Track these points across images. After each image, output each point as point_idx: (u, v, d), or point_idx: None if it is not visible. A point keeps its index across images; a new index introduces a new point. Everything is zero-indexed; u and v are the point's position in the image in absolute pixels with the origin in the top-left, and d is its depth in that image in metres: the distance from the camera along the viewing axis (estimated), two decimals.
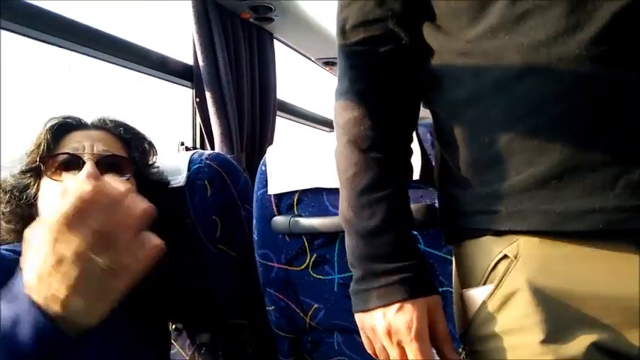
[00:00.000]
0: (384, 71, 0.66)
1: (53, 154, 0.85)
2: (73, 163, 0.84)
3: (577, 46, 0.52)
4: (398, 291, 0.61)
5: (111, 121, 0.94)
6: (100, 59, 1.40)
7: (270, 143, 1.97)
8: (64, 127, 0.88)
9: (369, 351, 0.66)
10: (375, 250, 0.62)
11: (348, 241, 0.66)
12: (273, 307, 1.03)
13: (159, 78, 1.64)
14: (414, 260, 0.63)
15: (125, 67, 1.49)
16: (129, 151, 0.92)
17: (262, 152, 1.86)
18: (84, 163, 0.83)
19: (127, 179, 0.87)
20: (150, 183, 0.94)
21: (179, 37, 1.77)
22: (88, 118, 0.93)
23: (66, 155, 0.84)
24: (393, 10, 0.64)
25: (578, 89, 0.53)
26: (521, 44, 0.55)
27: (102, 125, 0.92)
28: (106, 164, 0.85)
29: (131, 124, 0.96)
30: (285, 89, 2.24)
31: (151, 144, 0.97)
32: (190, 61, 1.71)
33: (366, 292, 0.62)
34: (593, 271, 0.55)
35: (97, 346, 0.80)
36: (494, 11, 0.57)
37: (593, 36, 0.52)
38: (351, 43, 0.66)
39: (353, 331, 0.74)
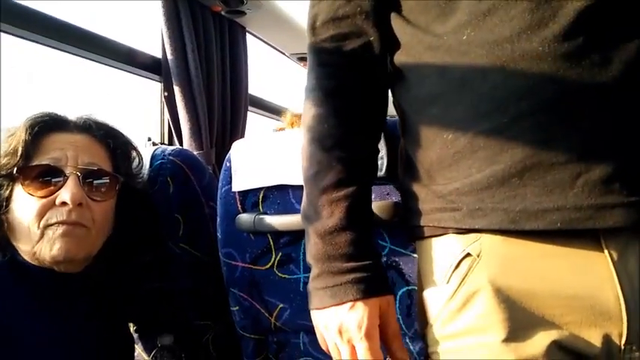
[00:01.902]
0: (351, 69, 0.66)
1: (32, 164, 0.76)
2: (54, 176, 0.76)
3: (540, 44, 0.52)
4: (351, 290, 0.61)
5: (97, 124, 0.85)
6: (64, 51, 1.36)
7: (242, 137, 1.94)
8: (43, 127, 0.79)
9: (323, 347, 0.67)
10: (331, 249, 0.62)
11: (307, 239, 0.65)
12: (237, 307, 1.01)
13: (126, 71, 1.60)
14: (370, 260, 0.63)
15: (91, 59, 1.45)
16: (115, 161, 0.85)
17: None
18: (66, 176, 0.76)
19: (112, 197, 0.83)
20: (132, 196, 0.88)
21: (147, 29, 1.72)
22: (71, 116, 0.85)
23: (46, 167, 0.77)
24: (362, 7, 0.64)
25: (541, 87, 0.52)
26: (486, 41, 0.55)
27: (86, 128, 0.84)
28: (90, 179, 0.79)
29: (117, 128, 0.89)
30: (259, 84, 2.21)
31: (137, 151, 0.91)
32: (159, 54, 1.67)
33: (321, 291, 0.62)
34: (553, 270, 0.55)
35: (60, 350, 0.79)
36: (462, 7, 0.57)
37: (557, 33, 0.51)
38: (321, 40, 0.66)
39: None
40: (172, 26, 1.61)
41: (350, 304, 0.60)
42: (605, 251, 0.53)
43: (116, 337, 0.93)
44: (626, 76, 0.51)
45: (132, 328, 1.05)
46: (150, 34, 1.70)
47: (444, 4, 0.58)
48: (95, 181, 0.80)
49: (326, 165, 0.63)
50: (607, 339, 0.54)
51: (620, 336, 0.53)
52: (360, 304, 0.60)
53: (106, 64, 1.51)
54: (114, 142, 0.86)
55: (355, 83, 0.66)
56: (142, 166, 0.94)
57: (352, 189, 0.63)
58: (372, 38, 0.65)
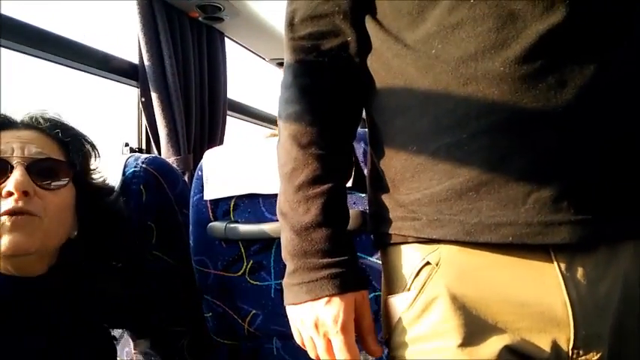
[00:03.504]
0: (327, 67, 0.66)
1: None
2: (0, 169, 0.73)
3: (502, 64, 0.53)
4: (327, 286, 0.61)
5: (45, 119, 0.82)
6: (40, 58, 1.34)
7: (221, 144, 1.94)
8: None
9: (298, 341, 0.67)
10: (307, 246, 0.62)
11: (283, 236, 0.66)
12: (210, 313, 1.02)
13: (102, 77, 1.59)
14: (346, 256, 0.63)
15: (66, 65, 1.44)
16: (67, 153, 0.82)
17: None
18: (12, 167, 0.73)
19: (65, 184, 0.79)
20: (91, 190, 0.86)
21: (124, 34, 1.72)
22: (18, 117, 0.83)
23: None
24: (340, 6, 0.64)
25: (499, 107, 0.54)
26: (452, 57, 0.56)
27: (34, 124, 0.81)
28: (39, 169, 0.76)
29: (69, 124, 0.86)
30: (239, 89, 2.22)
31: (92, 146, 0.88)
32: (136, 60, 1.66)
33: (296, 286, 0.63)
34: (506, 279, 0.57)
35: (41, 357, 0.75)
36: (432, 18, 0.57)
37: (518, 55, 0.53)
38: (298, 37, 0.66)
39: (291, 336, 0.73)
40: (149, 32, 1.61)
41: (326, 299, 0.61)
42: (555, 262, 0.55)
43: (95, 345, 0.90)
44: (579, 100, 0.53)
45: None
46: (126, 39, 1.70)
47: (416, 13, 0.59)
48: (45, 170, 0.77)
49: (302, 162, 0.64)
50: (555, 344, 0.56)
51: (568, 341, 0.56)
52: (336, 299, 0.61)
53: (81, 70, 1.50)
54: (63, 134, 0.83)
55: (332, 82, 0.66)
56: (99, 161, 0.91)
57: (328, 186, 0.63)
58: (349, 38, 0.65)
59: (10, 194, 0.72)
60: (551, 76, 0.53)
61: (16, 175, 0.72)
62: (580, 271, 0.55)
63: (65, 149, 0.82)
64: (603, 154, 0.55)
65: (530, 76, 0.53)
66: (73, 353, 0.82)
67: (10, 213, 0.71)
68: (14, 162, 0.74)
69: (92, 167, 0.88)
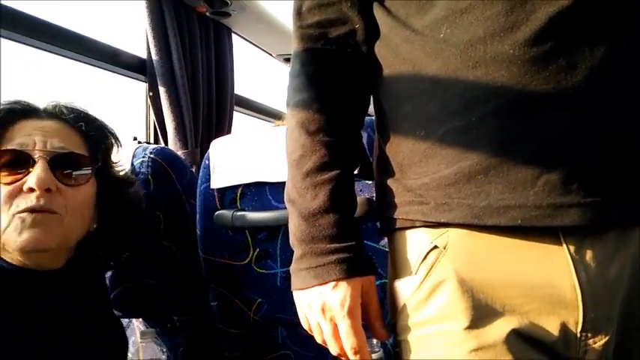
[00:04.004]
0: (335, 55, 0.66)
1: None
2: (22, 162, 0.72)
3: (511, 47, 0.53)
4: (334, 270, 0.62)
5: (69, 109, 0.80)
6: (50, 52, 1.36)
7: None
8: (11, 115, 0.75)
9: (305, 327, 0.67)
10: (315, 231, 0.63)
11: (290, 222, 0.66)
12: (216, 302, 1.02)
13: (111, 71, 1.60)
14: (353, 241, 0.64)
15: (76, 60, 1.45)
16: (90, 146, 0.80)
17: None
18: (34, 161, 0.72)
19: (87, 181, 0.77)
20: (113, 183, 0.84)
21: (133, 29, 1.73)
22: (41, 104, 0.80)
23: (12, 152, 0.72)
24: None
25: (508, 89, 0.54)
26: (461, 40, 0.56)
27: (57, 114, 0.78)
28: (61, 164, 0.74)
29: (93, 115, 0.83)
30: (246, 84, 2.22)
31: (115, 137, 0.86)
32: (144, 55, 1.68)
33: (304, 271, 0.63)
34: (515, 262, 0.57)
35: (56, 344, 0.75)
36: (441, 3, 0.58)
37: (527, 37, 0.53)
38: (306, 25, 0.66)
39: (297, 324, 0.74)
40: (157, 27, 1.62)
41: (333, 283, 0.61)
42: (564, 244, 0.55)
43: (107, 336, 0.90)
44: (590, 82, 0.52)
45: None
46: (135, 34, 1.71)
47: None
48: (67, 166, 0.75)
49: (310, 149, 0.64)
50: (564, 327, 0.55)
51: (577, 324, 0.55)
52: (343, 284, 0.61)
53: (91, 65, 1.52)
54: (87, 127, 0.80)
55: (339, 69, 0.66)
56: (120, 153, 0.89)
57: (335, 172, 0.63)
58: (357, 26, 0.65)
59: (31, 190, 0.70)
60: (561, 59, 0.53)
61: (38, 171, 0.71)
62: (589, 254, 0.55)
63: (88, 142, 0.80)
64: (613, 137, 0.55)
65: (539, 58, 0.53)
66: (87, 345, 0.82)
67: (31, 210, 0.70)
68: (36, 156, 0.72)
69: (114, 160, 0.86)
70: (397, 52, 0.63)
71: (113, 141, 0.86)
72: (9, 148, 0.72)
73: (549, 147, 0.54)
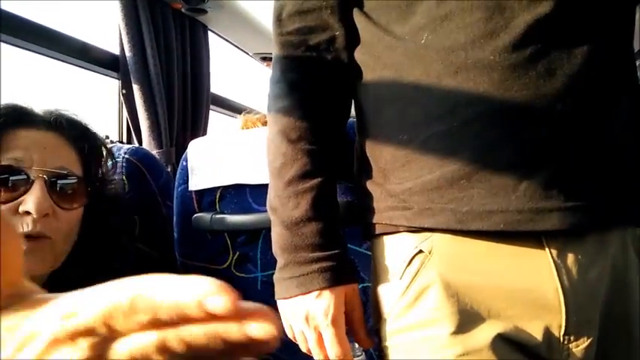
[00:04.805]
0: (316, 62, 0.66)
1: None
2: (18, 179, 0.68)
3: (492, 53, 0.54)
4: (317, 280, 0.62)
5: (69, 122, 0.76)
6: (18, 46, 1.31)
7: (203, 137, 1.92)
8: (8, 121, 0.71)
9: (289, 335, 0.67)
10: (298, 240, 0.63)
11: (273, 231, 0.66)
12: None
13: (82, 68, 1.55)
14: (336, 250, 0.64)
15: (45, 55, 1.40)
16: (86, 165, 0.76)
17: None
18: (32, 181, 0.68)
19: (82, 205, 0.74)
20: (103, 201, 0.80)
21: (105, 23, 1.68)
22: (39, 110, 0.76)
23: (8, 168, 0.67)
24: (328, 1, 0.65)
25: (489, 95, 0.55)
26: (442, 46, 0.56)
27: (56, 126, 0.74)
28: (57, 184, 0.70)
29: (91, 127, 0.79)
30: (223, 83, 2.20)
31: (111, 153, 0.83)
32: (117, 51, 1.63)
33: (287, 280, 0.63)
34: (499, 266, 0.57)
35: None
36: (421, 10, 0.58)
37: (507, 44, 0.54)
38: (286, 32, 0.66)
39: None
40: (130, 22, 1.58)
41: (316, 292, 0.62)
42: (546, 249, 0.56)
43: None
44: (568, 88, 0.54)
45: None
46: (108, 29, 1.66)
47: (405, 6, 0.59)
48: (63, 188, 0.72)
49: (291, 157, 0.64)
50: (547, 331, 0.56)
51: (560, 328, 0.56)
52: (326, 293, 0.62)
53: (61, 60, 1.47)
54: (87, 145, 0.77)
55: (320, 76, 0.67)
56: (114, 170, 0.86)
57: (317, 180, 0.63)
58: (337, 33, 0.66)
59: (27, 213, 0.67)
60: (540, 65, 0.54)
61: (37, 194, 0.67)
62: (571, 258, 0.56)
63: (84, 160, 0.76)
64: (591, 142, 0.56)
65: (519, 64, 0.54)
66: None
67: (26, 236, 0.67)
68: (33, 175, 0.68)
69: (108, 178, 0.82)
70: (379, 58, 0.63)
71: (108, 157, 0.82)
72: (5, 163, 0.68)
73: (529, 152, 0.55)
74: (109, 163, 0.83)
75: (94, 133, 0.80)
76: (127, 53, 1.59)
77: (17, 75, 1.48)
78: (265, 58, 2.31)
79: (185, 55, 1.82)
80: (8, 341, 0.24)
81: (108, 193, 0.82)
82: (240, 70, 2.56)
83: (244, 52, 2.28)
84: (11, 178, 0.68)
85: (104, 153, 0.82)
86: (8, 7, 1.25)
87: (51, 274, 0.74)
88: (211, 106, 2.01)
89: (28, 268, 0.64)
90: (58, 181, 0.71)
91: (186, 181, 0.95)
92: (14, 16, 1.28)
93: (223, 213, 0.92)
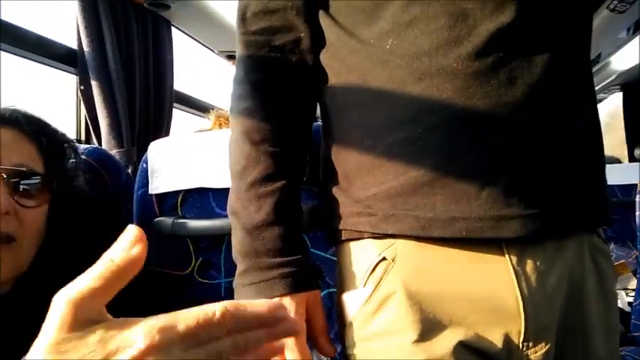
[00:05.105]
0: (280, 63, 0.65)
1: None
2: None
3: (455, 60, 0.54)
4: (278, 285, 0.61)
5: (26, 117, 0.73)
6: None
7: (166, 136, 1.87)
8: None
9: None
10: (259, 245, 0.61)
11: (233, 235, 0.64)
12: (158, 314, 0.97)
13: (38, 62, 1.48)
14: (298, 255, 0.62)
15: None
16: (46, 161, 0.73)
17: None
18: None
19: (45, 202, 0.71)
20: (68, 200, 0.76)
21: (62, 16, 1.61)
22: None
23: None
24: (293, 1, 0.64)
25: (452, 102, 0.55)
26: (407, 52, 0.56)
27: (13, 121, 0.71)
28: (19, 182, 0.68)
29: (49, 122, 0.76)
30: (187, 81, 2.15)
31: (72, 146, 0.79)
32: (74, 45, 1.56)
33: (247, 287, 0.62)
34: (461, 273, 0.57)
35: None
36: (387, 15, 0.58)
37: (470, 52, 0.54)
38: (250, 32, 0.65)
39: None
40: (89, 15, 1.52)
41: (277, 299, 0.60)
42: (506, 255, 0.56)
43: None
44: (529, 96, 0.54)
45: None
46: (65, 22, 1.60)
47: (370, 10, 0.59)
48: (24, 185, 0.69)
49: (254, 159, 0.62)
50: (507, 337, 0.57)
51: (519, 334, 0.57)
52: (286, 299, 0.61)
53: (15, 54, 1.40)
54: (45, 138, 0.74)
55: (284, 78, 0.66)
56: (78, 165, 0.82)
57: (280, 184, 0.62)
58: (302, 34, 0.65)
59: None
60: (502, 73, 0.54)
61: None
62: (530, 265, 0.57)
63: (44, 156, 0.73)
64: (551, 149, 0.56)
65: (482, 72, 0.54)
66: None
67: None
68: None
69: (71, 173, 0.79)
70: (344, 62, 0.62)
71: (69, 150, 0.79)
72: None
73: (490, 160, 0.55)
74: (72, 159, 0.80)
75: (54, 128, 0.77)
76: (85, 48, 1.53)
77: None
78: (231, 57, 2.28)
79: (147, 51, 1.77)
80: (98, 350, 0.29)
81: (73, 190, 0.79)
82: (206, 68, 2.52)
83: (210, 49, 2.24)
84: None
85: (66, 148, 0.78)
86: None
87: (17, 279, 0.71)
88: (176, 105, 1.96)
89: None
90: (18, 179, 0.68)
91: (146, 184, 0.92)
92: None
93: (185, 217, 0.90)
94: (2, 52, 1.35)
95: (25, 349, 0.78)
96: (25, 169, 0.69)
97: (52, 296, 0.84)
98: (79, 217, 0.80)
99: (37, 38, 1.45)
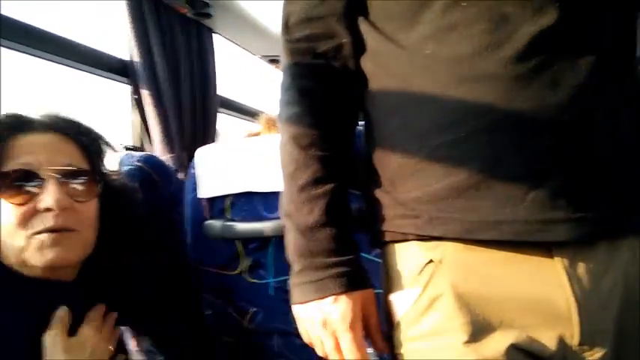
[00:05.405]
0: (324, 69, 0.66)
1: (4, 171, 0.71)
2: (31, 182, 0.72)
3: (496, 64, 0.54)
4: (334, 284, 0.62)
5: (65, 121, 0.80)
6: (31, 55, 1.32)
7: (213, 140, 1.93)
8: (9, 130, 0.75)
9: (306, 341, 0.67)
10: (313, 245, 0.63)
11: (287, 236, 0.66)
12: (210, 311, 1.02)
13: (94, 74, 1.57)
14: (351, 255, 0.64)
15: (57, 62, 1.42)
16: (89, 159, 0.80)
17: None
18: (44, 180, 0.72)
19: (95, 196, 0.78)
20: (114, 193, 0.84)
21: (114, 30, 1.70)
22: (34, 115, 0.79)
23: (20, 172, 0.72)
24: (335, 8, 0.65)
25: (495, 106, 0.55)
26: (447, 57, 0.56)
27: (54, 126, 0.78)
28: (70, 180, 0.75)
29: (85, 124, 0.83)
30: (231, 85, 2.21)
31: (109, 145, 0.86)
32: (126, 56, 1.64)
33: (303, 285, 0.63)
34: (509, 275, 0.57)
35: None
36: (426, 20, 0.58)
37: (512, 55, 0.54)
38: (294, 39, 0.67)
39: (291, 333, 0.73)
40: (138, 28, 1.59)
41: (333, 297, 0.62)
42: (557, 258, 0.55)
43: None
44: (574, 98, 0.53)
45: None
46: (117, 36, 1.68)
47: (409, 15, 0.59)
48: (75, 182, 0.76)
49: (303, 163, 0.64)
50: (561, 340, 0.56)
51: (574, 337, 0.56)
52: (343, 298, 0.62)
53: (73, 67, 1.48)
54: (84, 137, 0.80)
55: (329, 83, 0.67)
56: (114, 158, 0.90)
57: (330, 186, 0.64)
58: (344, 40, 0.66)
59: (48, 210, 0.71)
60: (545, 76, 0.53)
61: (52, 191, 0.71)
62: (582, 267, 0.55)
63: (87, 154, 0.80)
64: (598, 152, 0.55)
65: (524, 76, 0.54)
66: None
67: (51, 230, 0.71)
68: (44, 174, 0.72)
69: (110, 168, 0.86)
70: (385, 67, 0.63)
71: (106, 148, 0.85)
72: (15, 168, 0.72)
73: (535, 164, 0.54)
74: (108, 154, 0.86)
75: (90, 128, 0.83)
76: (136, 59, 1.60)
77: (31, 83, 1.51)
78: (273, 60, 2.31)
79: (192, 59, 1.82)
80: None
81: (116, 185, 0.86)
82: (249, 73, 2.57)
83: (252, 54, 2.29)
84: (25, 181, 0.72)
85: (104, 147, 0.85)
86: (22, 18, 1.28)
87: (84, 263, 0.79)
88: (222, 110, 2.01)
89: (60, 257, 0.73)
90: (69, 177, 0.75)
91: (195, 188, 0.96)
92: (30, 26, 1.30)
93: (234, 220, 0.93)
94: (66, 67, 1.45)
95: (80, 323, 0.84)
96: (74, 167, 0.76)
97: (111, 282, 0.91)
98: (126, 205, 0.87)
99: (93, 52, 1.53)
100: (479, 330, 0.57)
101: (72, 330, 0.77)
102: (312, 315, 0.63)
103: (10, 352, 0.70)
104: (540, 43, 0.54)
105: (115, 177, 0.88)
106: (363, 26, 0.65)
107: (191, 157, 1.72)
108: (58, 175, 0.73)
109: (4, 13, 1.22)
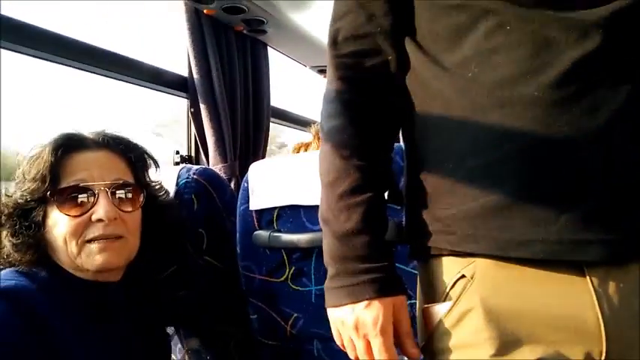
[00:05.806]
0: (369, 84, 0.70)
1: (62, 187, 0.81)
2: (85, 196, 0.82)
3: (536, 89, 0.56)
4: (367, 289, 0.64)
5: (114, 138, 0.90)
6: (97, 74, 1.45)
7: (264, 149, 2.01)
8: (66, 148, 0.84)
9: (338, 342, 0.71)
10: (348, 251, 0.66)
11: (325, 242, 0.69)
12: (256, 315, 1.08)
13: (155, 90, 1.69)
14: (385, 262, 0.66)
15: (122, 80, 1.54)
16: (135, 173, 0.91)
17: (256, 158, 1.90)
18: (96, 194, 0.82)
19: (140, 206, 0.89)
20: (156, 205, 0.94)
21: (174, 48, 1.82)
22: (87, 133, 0.90)
23: (76, 188, 0.82)
24: (382, 26, 0.67)
25: (533, 130, 0.56)
26: (489, 80, 0.58)
27: (104, 144, 0.88)
28: (117, 193, 0.85)
29: (132, 140, 0.93)
30: (281, 95, 2.28)
31: (153, 159, 0.95)
32: (185, 73, 1.76)
33: (338, 289, 0.66)
34: (540, 292, 0.59)
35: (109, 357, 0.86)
36: (469, 43, 0.60)
37: (552, 81, 0.55)
38: (341, 55, 0.69)
39: (330, 339, 0.78)
40: (197, 46, 1.69)
41: (366, 302, 0.64)
42: (587, 277, 0.57)
43: (155, 342, 1.00)
44: (611, 124, 0.54)
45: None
46: (177, 53, 1.80)
47: (454, 37, 0.61)
48: (122, 194, 0.86)
49: (343, 172, 0.67)
50: (589, 356, 0.57)
51: (601, 354, 0.57)
52: (375, 303, 0.64)
53: (137, 85, 1.61)
54: (131, 153, 0.91)
55: (372, 97, 0.69)
56: (158, 173, 0.99)
57: (368, 195, 0.66)
58: (390, 57, 0.68)
59: (100, 220, 0.82)
60: (584, 101, 0.54)
61: (104, 204, 0.82)
62: (613, 286, 0.56)
63: (133, 168, 0.91)
64: (630, 177, 0.56)
65: (563, 100, 0.55)
66: (136, 349, 0.92)
67: (104, 238, 0.82)
68: (97, 189, 0.83)
69: (155, 181, 0.96)
70: (427, 87, 0.65)
71: (151, 162, 0.95)
72: (72, 184, 0.82)
73: (568, 187, 0.56)
74: (152, 167, 0.96)
75: (136, 144, 0.94)
76: (195, 75, 1.71)
77: (101, 101, 1.65)
78: (322, 71, 2.38)
79: (247, 74, 1.91)
80: None
81: (158, 198, 0.97)
82: (297, 82, 2.64)
83: (302, 64, 2.36)
84: (80, 195, 0.82)
85: (149, 162, 0.95)
86: (92, 41, 1.40)
87: (129, 265, 0.90)
88: (272, 119, 2.09)
89: (110, 262, 0.82)
90: (118, 190, 0.85)
91: (247, 201, 1.04)
92: (98, 48, 1.43)
93: (280, 231, 1.00)
94: (127, 84, 1.57)
95: (135, 328, 0.96)
96: (121, 181, 0.86)
97: (153, 283, 1.01)
98: (167, 214, 0.97)
99: (157, 71, 1.65)
100: (507, 344, 0.59)
101: (114, 324, 0.87)
102: (344, 318, 0.66)
103: (66, 344, 0.78)
104: (582, 69, 0.54)
105: (157, 187, 0.97)
106: (409, 45, 0.68)
107: (242, 166, 1.82)
108: (107, 189, 0.83)
109: (68, 33, 1.32)
